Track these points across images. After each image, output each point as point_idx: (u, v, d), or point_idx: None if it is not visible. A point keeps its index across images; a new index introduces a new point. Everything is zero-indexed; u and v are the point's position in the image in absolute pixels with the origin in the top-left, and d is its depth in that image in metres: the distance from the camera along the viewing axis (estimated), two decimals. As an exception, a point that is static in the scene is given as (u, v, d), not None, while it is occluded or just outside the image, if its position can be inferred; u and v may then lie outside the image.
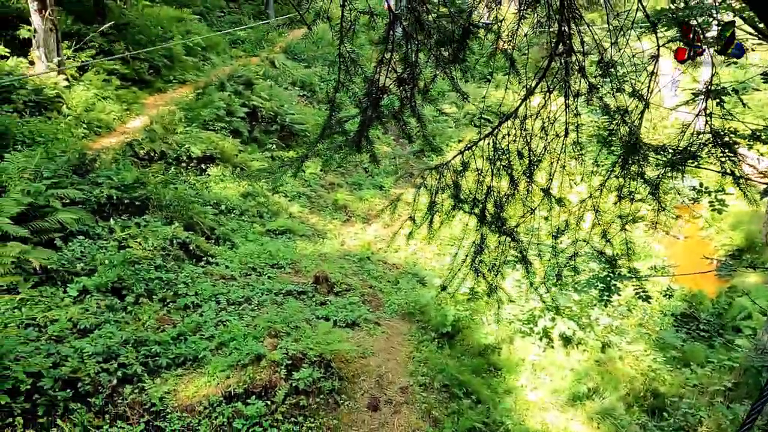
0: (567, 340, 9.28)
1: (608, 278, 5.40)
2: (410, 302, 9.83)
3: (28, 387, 5.56)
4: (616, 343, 9.52)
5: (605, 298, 5.36)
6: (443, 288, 3.73)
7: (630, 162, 3.23)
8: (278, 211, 12.58)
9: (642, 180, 3.28)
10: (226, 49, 18.97)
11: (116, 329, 6.88)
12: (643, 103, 3.13)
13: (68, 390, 5.82)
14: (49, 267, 7.37)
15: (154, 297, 7.94)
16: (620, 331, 9.85)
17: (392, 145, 18.14)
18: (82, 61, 12.49)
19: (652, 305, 10.42)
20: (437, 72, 3.06)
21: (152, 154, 11.47)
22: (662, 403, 8.41)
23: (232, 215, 11.55)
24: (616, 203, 3.56)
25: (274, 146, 14.88)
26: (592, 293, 7.37)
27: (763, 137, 4.90)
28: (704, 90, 3.25)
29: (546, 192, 3.36)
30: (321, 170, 14.72)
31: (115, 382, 6.22)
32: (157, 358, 6.79)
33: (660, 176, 3.41)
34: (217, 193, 11.79)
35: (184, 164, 11.93)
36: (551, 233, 3.64)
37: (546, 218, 3.66)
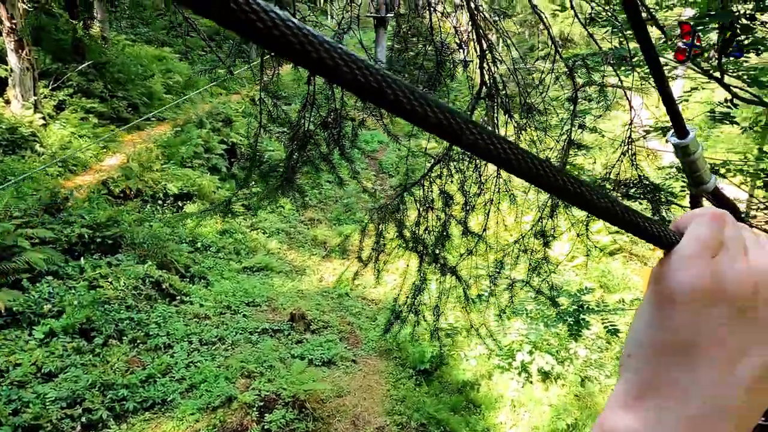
0: (546, 375, 9.19)
1: (577, 312, 5.41)
2: (388, 339, 9.72)
3: (-15, 436, 5.39)
4: (595, 377, 9.45)
5: (574, 332, 5.36)
6: (386, 331, 3.72)
7: (558, 204, 3.28)
8: (256, 248, 12.49)
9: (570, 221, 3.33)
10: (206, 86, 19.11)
11: (82, 372, 6.71)
12: (567, 141, 3.20)
13: (28, 438, 5.64)
14: (14, 309, 7.21)
15: (123, 338, 7.78)
16: (599, 365, 9.79)
17: (373, 180, 18.22)
18: (59, 100, 12.51)
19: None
20: (364, 116, 3.13)
21: (128, 192, 11.41)
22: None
23: (209, 252, 11.44)
24: (545, 245, 3.61)
25: (253, 183, 14.87)
26: (563, 328, 7.34)
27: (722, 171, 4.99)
28: (628, 131, 3.26)
29: (477, 235, 3.40)
30: (296, 209, 14.67)
31: (78, 428, 6.04)
32: (123, 402, 6.62)
33: (589, 216, 3.45)
34: (193, 230, 11.70)
35: (160, 202, 11.86)
36: (488, 273, 3.67)
37: (483, 258, 3.70)
